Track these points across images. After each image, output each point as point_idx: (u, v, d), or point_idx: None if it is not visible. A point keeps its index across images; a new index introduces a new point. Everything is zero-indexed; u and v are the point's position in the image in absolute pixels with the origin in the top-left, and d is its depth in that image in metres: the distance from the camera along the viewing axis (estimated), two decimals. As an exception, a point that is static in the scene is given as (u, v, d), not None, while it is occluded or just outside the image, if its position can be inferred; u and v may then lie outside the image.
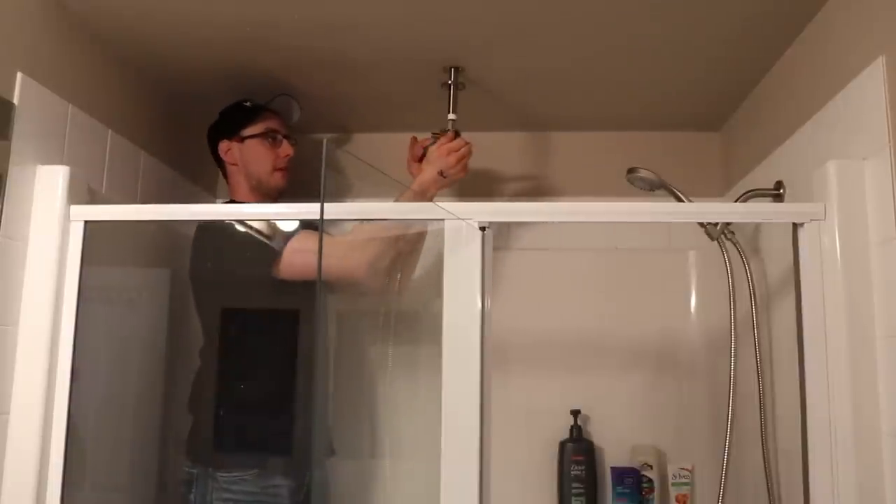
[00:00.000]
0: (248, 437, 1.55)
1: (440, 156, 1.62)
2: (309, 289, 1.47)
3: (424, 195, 1.60)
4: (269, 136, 1.69)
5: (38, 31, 1.32)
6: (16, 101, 1.23)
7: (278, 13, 1.42)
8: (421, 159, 1.69)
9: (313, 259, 1.49)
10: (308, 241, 1.53)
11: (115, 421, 1.59)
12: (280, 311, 1.58)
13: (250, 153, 1.69)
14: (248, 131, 1.69)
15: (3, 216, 1.20)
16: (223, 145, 1.70)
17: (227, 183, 1.74)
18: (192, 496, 1.49)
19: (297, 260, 1.51)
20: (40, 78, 1.30)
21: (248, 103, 1.72)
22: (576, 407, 1.87)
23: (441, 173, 1.61)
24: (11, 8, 1.25)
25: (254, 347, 1.59)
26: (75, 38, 1.44)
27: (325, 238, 1.60)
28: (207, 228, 1.59)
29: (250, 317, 1.60)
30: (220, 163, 1.73)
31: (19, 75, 1.24)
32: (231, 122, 1.71)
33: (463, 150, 1.63)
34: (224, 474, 1.49)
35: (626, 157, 1.70)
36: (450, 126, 1.65)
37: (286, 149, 1.71)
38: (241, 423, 1.56)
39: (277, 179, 1.69)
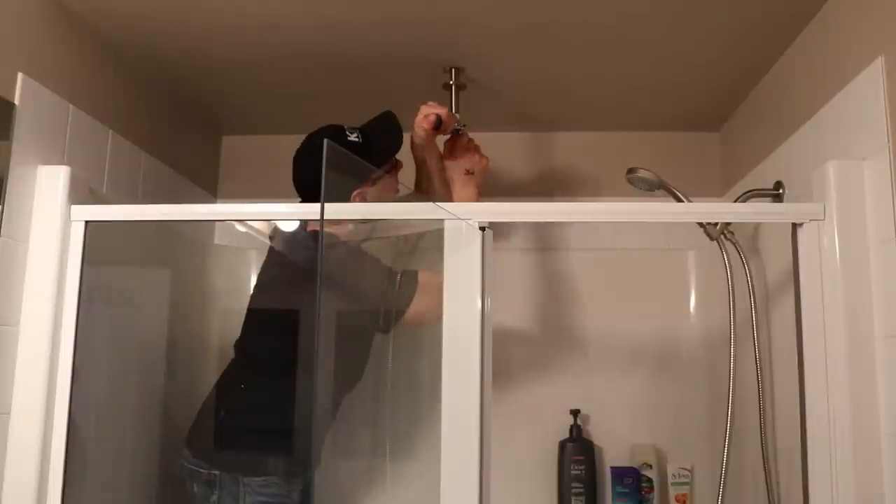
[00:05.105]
0: (279, 440, 1.51)
1: (454, 159, 1.59)
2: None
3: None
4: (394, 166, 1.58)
5: (39, 32, 1.32)
6: (16, 101, 1.23)
7: (279, 13, 1.42)
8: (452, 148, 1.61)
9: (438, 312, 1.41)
10: (432, 285, 1.39)
11: (115, 421, 1.59)
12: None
13: (384, 190, 1.57)
14: (380, 172, 1.55)
15: (4, 216, 1.21)
16: (358, 195, 1.52)
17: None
18: (214, 498, 1.45)
19: (424, 317, 1.46)
20: (41, 78, 1.30)
21: (354, 137, 1.52)
22: (576, 407, 1.88)
23: (467, 172, 1.58)
24: (12, 8, 1.25)
25: (288, 354, 1.50)
26: (75, 38, 1.44)
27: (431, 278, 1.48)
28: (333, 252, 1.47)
29: (287, 324, 1.50)
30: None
31: (20, 75, 1.25)
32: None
33: (466, 142, 1.61)
34: (255, 478, 1.45)
35: (626, 157, 1.70)
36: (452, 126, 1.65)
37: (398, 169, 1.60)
38: (272, 427, 1.51)
39: None
